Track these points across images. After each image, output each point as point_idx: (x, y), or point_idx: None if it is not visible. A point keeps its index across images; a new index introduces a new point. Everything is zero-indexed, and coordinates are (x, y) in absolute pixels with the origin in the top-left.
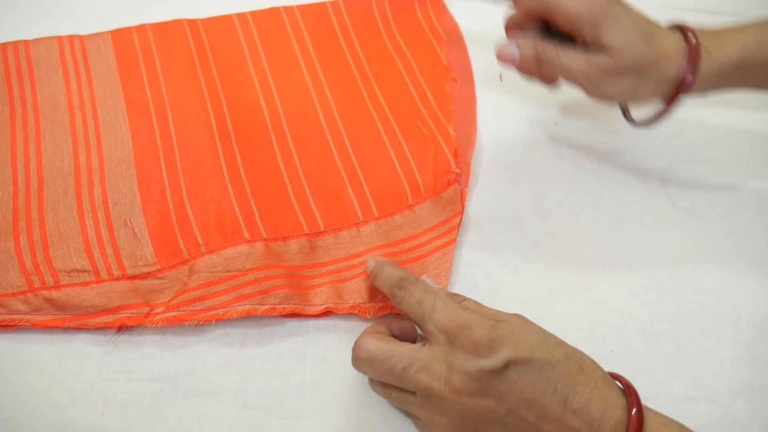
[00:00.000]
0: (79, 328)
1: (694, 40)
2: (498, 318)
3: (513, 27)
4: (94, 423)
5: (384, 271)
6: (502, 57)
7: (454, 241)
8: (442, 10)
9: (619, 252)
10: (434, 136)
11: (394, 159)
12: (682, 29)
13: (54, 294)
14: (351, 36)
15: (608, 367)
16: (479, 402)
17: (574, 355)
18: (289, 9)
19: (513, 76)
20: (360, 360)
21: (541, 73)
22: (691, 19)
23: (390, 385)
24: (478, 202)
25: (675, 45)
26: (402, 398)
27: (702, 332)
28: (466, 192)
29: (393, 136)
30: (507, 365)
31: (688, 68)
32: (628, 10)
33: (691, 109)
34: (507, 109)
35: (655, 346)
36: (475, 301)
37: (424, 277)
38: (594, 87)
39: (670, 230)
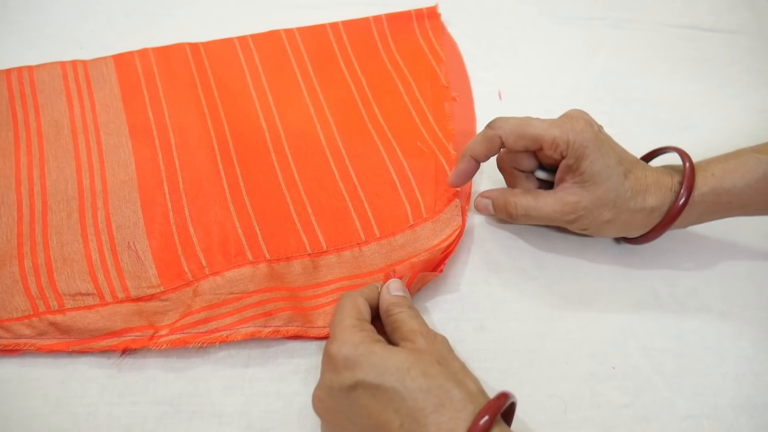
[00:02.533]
0: (83, 352)
1: (688, 163)
2: (407, 337)
3: (506, 162)
4: None
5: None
6: (477, 209)
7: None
8: (440, 31)
9: (619, 269)
10: (434, 156)
11: (395, 178)
12: (680, 155)
13: (59, 318)
14: (350, 57)
15: (611, 385)
16: (332, 418)
17: (438, 390)
18: (289, 31)
19: (512, 95)
20: None
21: (517, 219)
22: (689, 37)
23: None
24: (479, 221)
25: (654, 178)
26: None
27: (704, 348)
28: (467, 209)
29: (393, 155)
30: (354, 386)
31: (685, 187)
32: (611, 141)
33: (691, 130)
34: None
35: (658, 363)
36: (410, 313)
37: (389, 284)
38: (570, 222)
39: (670, 246)
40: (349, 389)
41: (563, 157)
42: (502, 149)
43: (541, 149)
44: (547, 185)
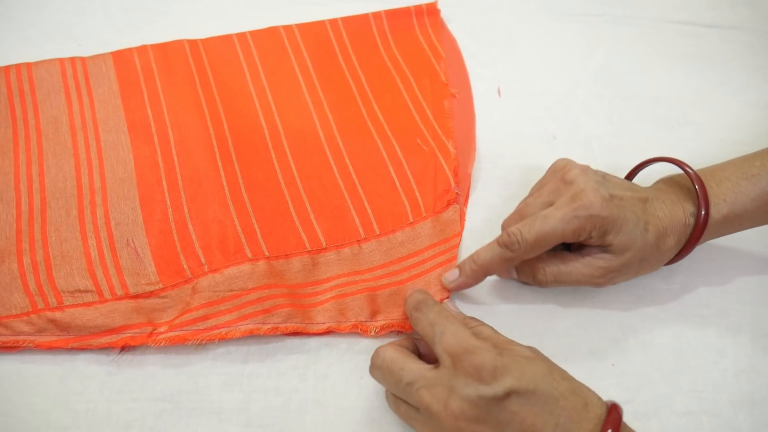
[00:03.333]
0: (82, 349)
1: (697, 185)
2: (507, 346)
3: None
4: None
5: (411, 296)
6: (501, 275)
7: (455, 258)
8: (440, 27)
9: None
10: (434, 153)
11: (394, 176)
12: (689, 179)
13: (57, 315)
14: (350, 54)
15: (610, 381)
16: (476, 429)
17: (580, 390)
18: (288, 28)
19: (511, 91)
20: (375, 367)
21: (545, 285)
22: (688, 33)
23: (400, 398)
24: (478, 217)
25: (669, 218)
26: (408, 413)
27: (703, 345)
28: (465, 211)
29: (393, 153)
30: (508, 394)
31: (702, 205)
32: (623, 202)
33: (690, 126)
34: (506, 125)
35: (657, 360)
36: (491, 328)
37: (446, 302)
38: (600, 284)
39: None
40: (503, 397)
41: (588, 238)
42: None
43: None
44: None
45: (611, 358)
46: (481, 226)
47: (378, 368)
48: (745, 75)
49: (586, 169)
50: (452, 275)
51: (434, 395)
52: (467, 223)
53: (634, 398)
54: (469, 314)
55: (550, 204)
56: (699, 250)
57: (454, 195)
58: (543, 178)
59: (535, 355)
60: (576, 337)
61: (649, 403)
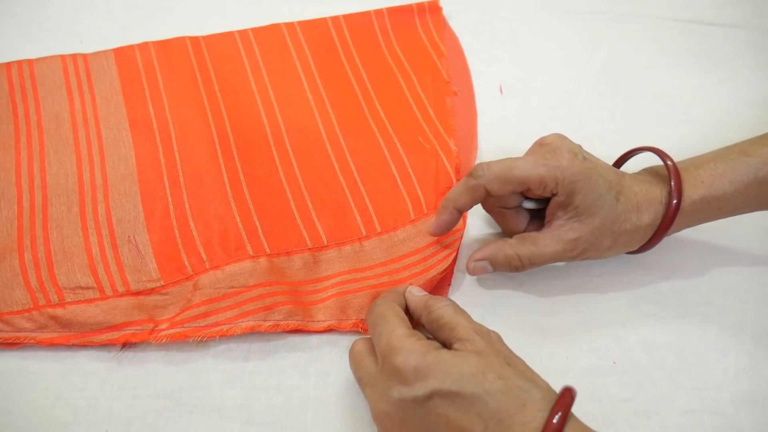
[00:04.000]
0: (83, 345)
1: (670, 162)
2: (462, 337)
3: (491, 203)
4: None
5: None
6: (474, 273)
7: (455, 251)
8: (442, 25)
9: (620, 263)
10: (435, 151)
11: (396, 174)
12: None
13: (59, 311)
14: (352, 51)
15: (611, 379)
16: (404, 430)
17: (518, 391)
18: (290, 25)
19: (513, 89)
20: (349, 357)
21: (522, 269)
22: (690, 31)
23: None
24: (480, 215)
25: (644, 194)
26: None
27: (705, 343)
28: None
29: (394, 150)
30: (430, 396)
31: (674, 192)
32: (597, 167)
33: (692, 124)
34: (507, 123)
35: (658, 358)
36: (452, 308)
37: (410, 287)
38: (575, 257)
39: (671, 242)
40: (424, 400)
41: (553, 195)
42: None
43: (528, 189)
44: (538, 213)
45: (613, 355)
46: (481, 223)
47: (349, 359)
48: (748, 73)
49: (562, 136)
50: (430, 219)
51: (372, 394)
52: (468, 221)
53: (636, 396)
54: (470, 312)
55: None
56: (702, 251)
57: None
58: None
59: (484, 348)
60: (577, 335)
61: (651, 401)
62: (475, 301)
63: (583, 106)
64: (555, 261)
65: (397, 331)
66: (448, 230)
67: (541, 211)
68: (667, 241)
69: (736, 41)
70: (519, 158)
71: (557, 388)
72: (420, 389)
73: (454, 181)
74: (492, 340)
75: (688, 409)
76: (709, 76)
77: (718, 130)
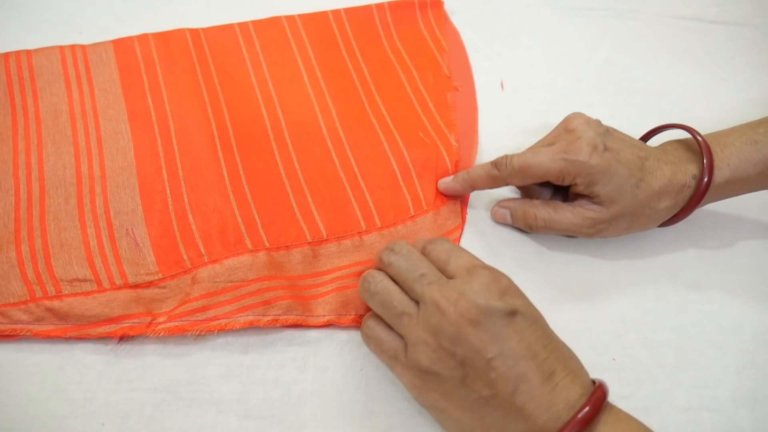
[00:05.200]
0: (80, 338)
1: (701, 138)
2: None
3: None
4: None
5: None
6: (495, 218)
7: None
8: (443, 19)
9: (620, 260)
10: (436, 146)
11: (396, 169)
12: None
13: (56, 303)
14: (352, 45)
15: (611, 376)
16: (475, 332)
17: (570, 351)
18: (290, 18)
19: (514, 84)
20: (391, 250)
21: (536, 230)
22: (692, 28)
23: (390, 303)
24: (480, 211)
25: (668, 178)
26: (401, 310)
27: (705, 341)
28: (466, 204)
29: (394, 145)
30: (515, 312)
31: (705, 172)
32: (618, 156)
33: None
34: (508, 118)
35: (658, 355)
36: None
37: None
38: (590, 234)
39: (671, 238)
40: (510, 313)
41: (573, 185)
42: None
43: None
44: (563, 189)
45: (612, 352)
46: (481, 219)
47: (395, 252)
48: (749, 71)
49: (590, 120)
50: (447, 178)
51: (444, 293)
52: (468, 217)
53: (635, 393)
54: None
55: (550, 145)
56: (703, 249)
57: None
58: (552, 130)
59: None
60: (577, 332)
61: (650, 399)
62: None
63: (584, 102)
64: (570, 233)
65: (478, 260)
66: (455, 197)
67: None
68: (667, 237)
69: (737, 39)
70: (539, 151)
71: None
72: (509, 304)
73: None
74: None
75: (687, 407)
76: (710, 73)
77: (719, 128)
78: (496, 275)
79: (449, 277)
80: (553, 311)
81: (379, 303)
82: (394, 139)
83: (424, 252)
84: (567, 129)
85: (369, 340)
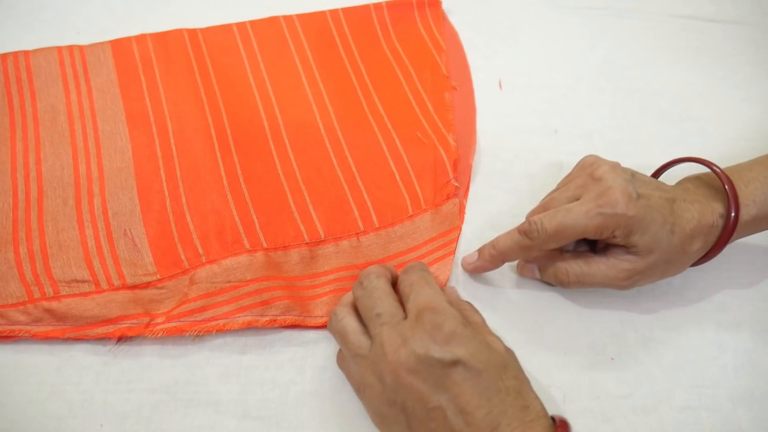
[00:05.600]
0: (78, 339)
1: (720, 171)
2: (481, 330)
3: None
4: None
5: (408, 265)
6: (522, 273)
7: (453, 253)
8: (441, 19)
9: None
10: (434, 146)
11: (394, 169)
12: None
13: (54, 304)
14: (350, 45)
15: (609, 376)
16: (414, 382)
17: (524, 393)
18: (288, 18)
19: (513, 84)
20: (360, 285)
21: (568, 286)
22: (691, 27)
23: (345, 344)
24: (478, 211)
25: (697, 220)
26: (355, 351)
27: (703, 340)
28: (465, 204)
29: (392, 145)
30: (455, 363)
31: (732, 207)
32: (650, 202)
33: (692, 121)
34: (507, 118)
35: (656, 354)
36: (481, 317)
37: (447, 287)
38: (624, 287)
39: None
40: (450, 364)
41: (612, 237)
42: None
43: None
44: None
45: (611, 352)
46: (481, 219)
47: (362, 286)
48: (748, 70)
49: (615, 167)
50: (471, 257)
51: (392, 337)
52: (467, 216)
53: (634, 393)
54: None
55: (577, 198)
56: None
57: (453, 188)
58: (570, 174)
59: (503, 351)
60: (576, 331)
61: (649, 398)
62: (473, 296)
63: (582, 101)
64: (604, 286)
65: (438, 297)
66: (484, 271)
67: None
68: None
69: (736, 38)
70: (571, 209)
71: (555, 383)
72: (448, 353)
73: (452, 179)
74: (511, 352)
75: (686, 406)
76: (709, 72)
77: (717, 127)
78: (441, 321)
79: (407, 314)
80: (552, 310)
81: (339, 341)
82: (392, 139)
83: (399, 280)
84: (593, 177)
85: (341, 368)
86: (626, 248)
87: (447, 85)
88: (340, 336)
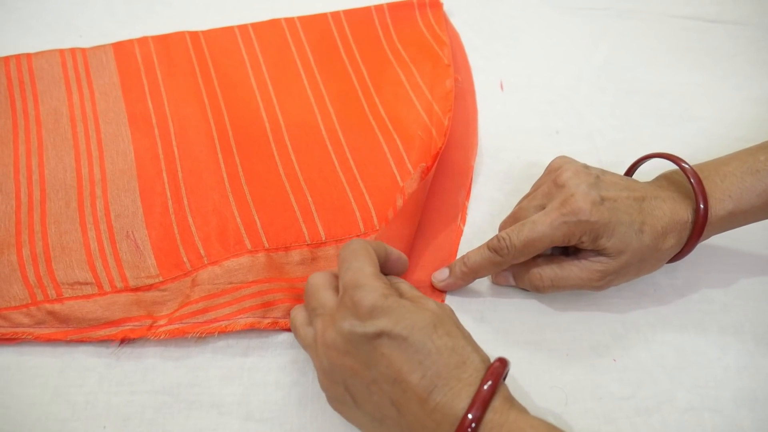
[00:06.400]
0: (81, 341)
1: (693, 179)
2: (409, 295)
3: None
4: None
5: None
6: (497, 281)
7: (454, 254)
8: (442, 20)
9: None
10: (431, 136)
11: (395, 171)
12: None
13: (57, 307)
14: (352, 47)
15: (612, 377)
16: (347, 361)
17: (461, 349)
18: (290, 20)
19: (514, 84)
20: (305, 290)
21: (543, 290)
22: (692, 27)
23: (298, 338)
24: (480, 212)
25: (669, 217)
26: (305, 343)
27: (705, 341)
28: (467, 205)
29: (394, 147)
30: (379, 335)
31: (699, 201)
32: (616, 204)
33: (693, 121)
34: (508, 119)
35: (659, 356)
36: (408, 285)
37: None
38: (599, 287)
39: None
40: (373, 337)
41: (580, 242)
42: None
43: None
44: None
45: (613, 353)
46: (482, 219)
47: (306, 290)
48: (749, 70)
49: (578, 172)
50: (442, 274)
51: (322, 323)
52: (468, 217)
53: (636, 394)
54: (469, 308)
55: (543, 207)
56: (701, 247)
57: (425, 168)
58: (540, 179)
59: (433, 310)
60: (578, 333)
61: (651, 399)
62: (474, 298)
63: (584, 102)
64: (578, 288)
65: (365, 269)
66: (456, 288)
67: None
68: None
69: (737, 38)
70: (536, 221)
71: (557, 385)
72: (371, 326)
73: (439, 141)
74: (444, 307)
75: (688, 407)
76: (710, 73)
77: (719, 127)
78: (361, 296)
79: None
80: (554, 311)
81: (295, 336)
82: (393, 141)
83: None
84: (556, 184)
85: None
86: (597, 251)
87: (448, 72)
88: (294, 332)
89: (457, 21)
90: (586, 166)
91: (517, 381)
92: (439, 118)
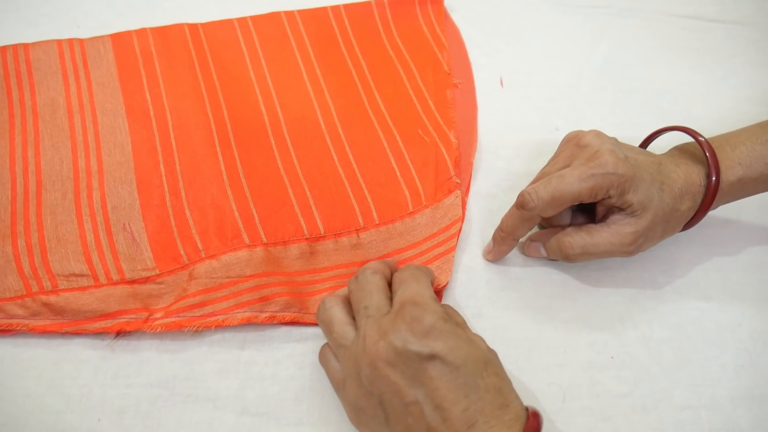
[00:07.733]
0: (76, 333)
1: (705, 143)
2: (464, 330)
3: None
4: (91, 429)
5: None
6: (528, 253)
7: (453, 248)
8: (443, 16)
9: (619, 258)
10: (435, 143)
11: (395, 166)
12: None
13: (52, 298)
14: (352, 41)
15: (609, 374)
16: (392, 375)
17: (506, 392)
18: (290, 14)
19: (514, 81)
20: (355, 278)
21: (574, 259)
22: (692, 27)
23: (330, 333)
24: (479, 208)
25: (684, 179)
26: (338, 342)
27: (703, 339)
28: (466, 201)
29: (393, 142)
30: (432, 357)
31: (713, 175)
32: (638, 162)
33: (693, 121)
34: (508, 115)
35: (656, 353)
36: (460, 317)
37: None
38: (630, 252)
39: (670, 238)
40: (427, 358)
41: (604, 199)
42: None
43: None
44: (581, 208)
45: (610, 350)
46: (481, 216)
47: (357, 279)
48: (749, 70)
49: (599, 134)
50: (488, 246)
51: (373, 330)
52: (468, 213)
53: (633, 391)
54: (469, 306)
55: (567, 167)
56: (700, 246)
57: (454, 184)
58: (557, 150)
59: (485, 349)
60: (575, 330)
61: (648, 397)
62: (472, 294)
63: (584, 100)
64: (609, 255)
65: (426, 292)
66: (503, 254)
67: (587, 206)
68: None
69: (737, 38)
70: (563, 175)
71: (555, 382)
72: (426, 346)
73: (453, 174)
74: (494, 351)
75: (685, 405)
76: (710, 72)
77: (718, 127)
78: (421, 314)
79: (392, 308)
80: (551, 308)
81: (324, 331)
82: (392, 136)
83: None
84: (579, 145)
85: (323, 366)
86: (624, 211)
87: (448, 82)
88: (326, 325)
89: (457, 17)
90: (602, 132)
91: (514, 378)
92: (444, 132)
